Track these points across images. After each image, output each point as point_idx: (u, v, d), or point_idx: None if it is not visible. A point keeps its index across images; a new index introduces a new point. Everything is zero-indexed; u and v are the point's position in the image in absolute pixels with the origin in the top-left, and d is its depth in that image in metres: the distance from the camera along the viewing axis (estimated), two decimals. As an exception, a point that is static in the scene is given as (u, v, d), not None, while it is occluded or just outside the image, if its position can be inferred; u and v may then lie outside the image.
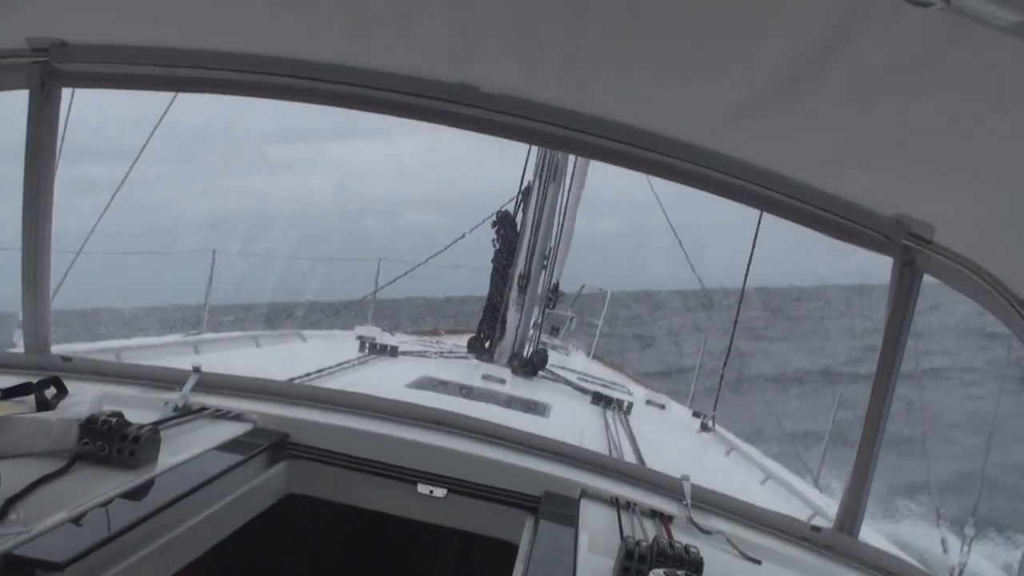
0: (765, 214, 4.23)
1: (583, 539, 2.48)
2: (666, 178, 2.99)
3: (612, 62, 2.30)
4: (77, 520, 1.93)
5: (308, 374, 4.35)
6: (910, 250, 2.74)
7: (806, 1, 1.64)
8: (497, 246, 7.15)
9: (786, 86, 2.03)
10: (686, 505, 2.95)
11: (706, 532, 2.80)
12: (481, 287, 7.38)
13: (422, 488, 2.94)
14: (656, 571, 1.58)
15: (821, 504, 4.10)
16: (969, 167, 2.09)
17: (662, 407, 7.20)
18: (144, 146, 4.76)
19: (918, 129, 2.02)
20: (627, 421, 5.45)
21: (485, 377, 5.77)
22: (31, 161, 2.95)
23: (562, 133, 2.88)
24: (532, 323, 7.34)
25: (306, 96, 2.98)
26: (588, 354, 11.38)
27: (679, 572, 1.59)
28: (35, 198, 2.98)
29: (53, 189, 3.00)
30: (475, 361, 6.79)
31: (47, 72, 2.85)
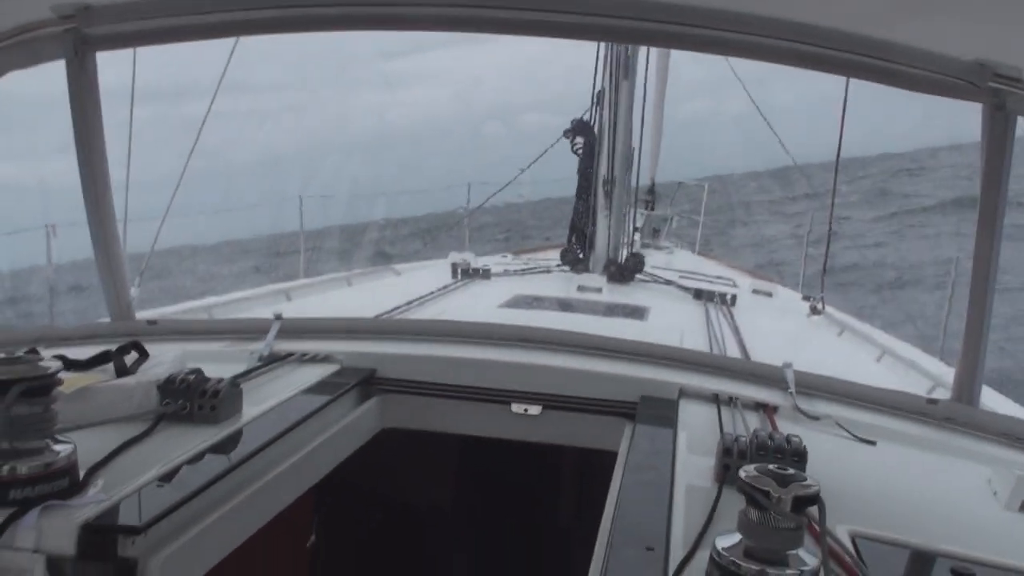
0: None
1: (682, 439, 2.38)
2: (722, 54, 2.82)
3: None
4: (160, 481, 1.92)
5: (398, 307, 4.33)
6: (999, 92, 2.51)
7: None
8: (579, 155, 6.98)
9: None
10: (791, 393, 2.81)
11: (814, 418, 2.67)
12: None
13: (516, 407, 2.88)
14: (747, 467, 1.47)
15: (942, 375, 3.90)
16: None
17: (769, 295, 7.01)
18: (214, 97, 4.70)
19: None
20: (731, 314, 5.29)
21: (580, 288, 5.69)
22: (81, 132, 2.93)
23: (604, 22, 2.72)
24: (629, 227, 7.21)
25: (339, 23, 2.87)
26: (693, 251, 11.19)
27: (771, 466, 1.47)
28: (91, 170, 2.97)
29: (106, 157, 2.99)
30: (569, 273, 6.71)
31: (79, 39, 2.81)
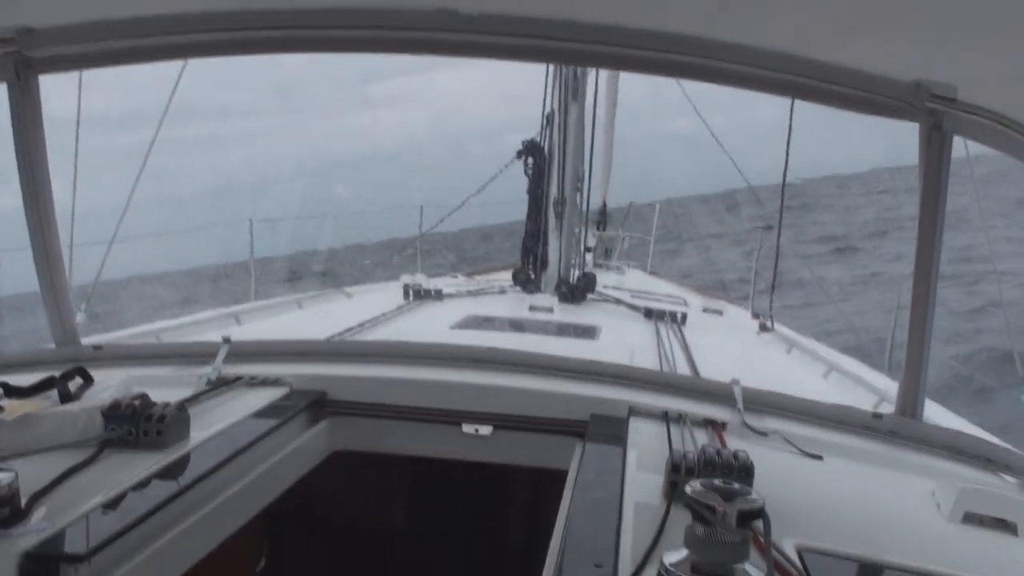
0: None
1: (631, 457, 2.39)
2: (667, 75, 2.85)
3: None
4: (105, 508, 1.89)
5: (350, 329, 4.31)
6: (935, 113, 2.56)
7: None
8: (529, 174, 7.03)
9: None
10: (739, 410, 2.84)
11: (762, 434, 2.70)
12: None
13: (467, 428, 2.88)
14: (693, 483, 1.49)
15: (888, 390, 3.97)
16: (984, 19, 1.91)
17: (719, 313, 7.09)
18: (163, 117, 4.62)
19: None
20: (681, 332, 5.34)
21: (532, 308, 5.71)
22: (23, 157, 2.88)
23: (551, 45, 2.74)
24: (583, 247, 7.26)
25: (286, 46, 2.88)
26: (645, 270, 11.27)
27: (716, 481, 1.49)
28: (34, 194, 2.93)
29: (50, 181, 2.95)
30: (521, 293, 6.73)
31: (21, 62, 2.77)
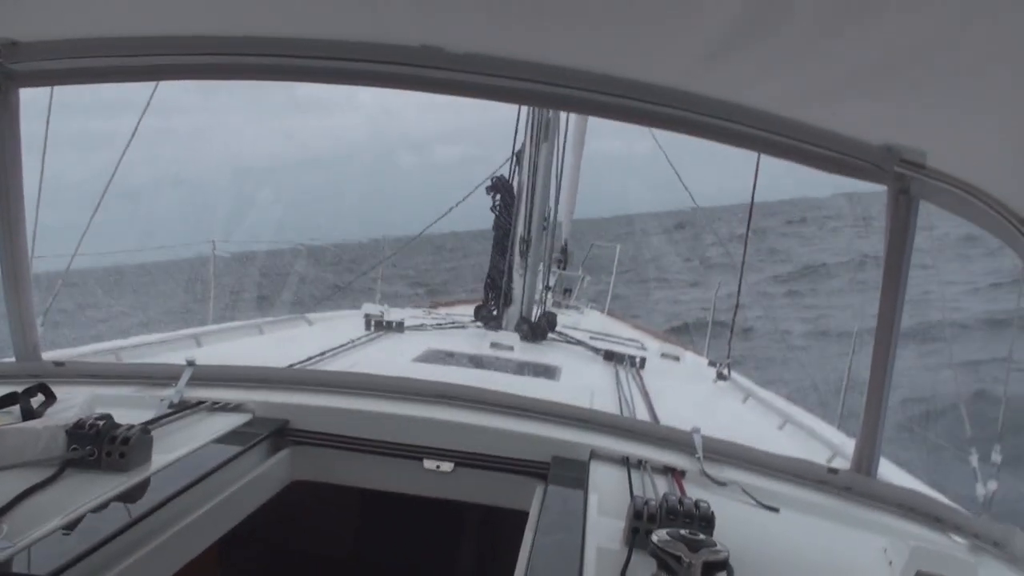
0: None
1: (592, 501, 2.42)
2: (646, 124, 2.90)
3: (579, 8, 2.20)
4: (65, 529, 1.87)
5: (311, 357, 4.30)
6: (904, 177, 2.64)
7: None
8: (496, 212, 7.05)
9: (759, 19, 1.94)
10: (698, 458, 2.88)
11: (720, 484, 2.74)
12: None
13: (428, 464, 2.89)
14: (659, 532, 1.52)
15: (842, 444, 4.03)
16: (956, 88, 1.99)
17: (676, 359, 7.14)
18: (133, 133, 4.58)
19: (898, 53, 1.92)
20: (640, 376, 5.39)
21: (493, 345, 5.72)
22: None
23: (535, 88, 2.78)
24: (543, 286, 7.29)
25: (265, 74, 2.89)
26: (603, 310, 11.33)
27: (682, 531, 1.52)
28: (5, 207, 2.91)
29: (23, 195, 2.93)
30: (483, 330, 6.74)
31: (1, 75, 2.76)
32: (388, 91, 2.94)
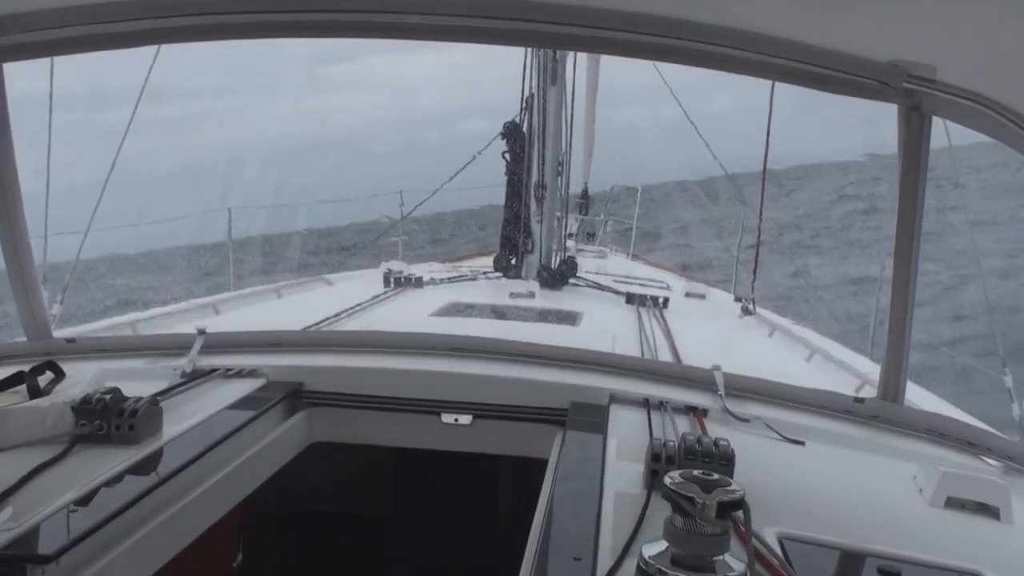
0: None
1: (611, 445, 2.37)
2: (645, 57, 2.81)
3: None
4: (73, 506, 1.85)
5: (327, 319, 4.27)
6: (913, 93, 2.53)
7: None
8: (508, 159, 6.97)
9: None
10: (720, 396, 2.83)
11: (743, 420, 2.68)
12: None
13: (446, 417, 2.85)
14: (672, 474, 1.46)
15: (870, 373, 3.96)
16: (964, 1, 1.89)
17: (702, 297, 7.08)
18: (135, 108, 4.53)
19: None
20: (663, 317, 5.33)
21: (513, 294, 5.68)
22: None
23: (531, 28, 2.67)
24: (562, 232, 7.22)
25: (267, 31, 2.80)
26: (627, 254, 11.25)
27: (696, 472, 1.46)
28: (1, 182, 2.87)
29: (16, 168, 2.88)
30: (503, 280, 6.69)
31: None
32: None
